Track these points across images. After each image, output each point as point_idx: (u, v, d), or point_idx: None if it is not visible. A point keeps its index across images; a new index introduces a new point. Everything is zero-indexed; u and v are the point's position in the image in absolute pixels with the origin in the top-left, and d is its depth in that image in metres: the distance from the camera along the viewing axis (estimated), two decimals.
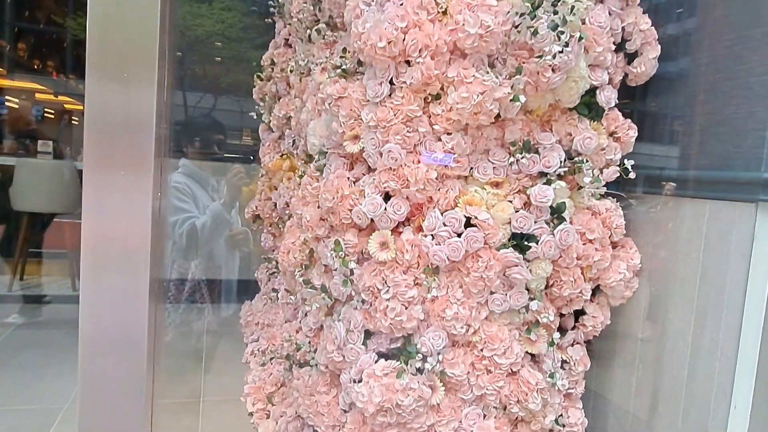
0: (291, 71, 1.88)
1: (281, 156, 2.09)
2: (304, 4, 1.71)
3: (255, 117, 2.27)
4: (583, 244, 1.37)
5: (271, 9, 2.15)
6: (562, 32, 1.18)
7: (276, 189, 2.20)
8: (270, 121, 2.13)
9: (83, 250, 1.54)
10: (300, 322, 1.69)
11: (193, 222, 2.73)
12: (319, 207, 1.38)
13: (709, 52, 1.40)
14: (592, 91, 1.36)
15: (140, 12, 1.47)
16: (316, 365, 1.50)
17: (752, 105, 1.23)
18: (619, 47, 1.39)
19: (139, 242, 1.59)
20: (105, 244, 1.56)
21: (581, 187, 1.36)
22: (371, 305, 1.30)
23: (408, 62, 1.23)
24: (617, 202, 1.45)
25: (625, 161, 1.38)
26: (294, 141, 1.98)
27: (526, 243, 1.30)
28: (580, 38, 1.22)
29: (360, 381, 1.31)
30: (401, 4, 1.22)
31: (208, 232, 2.77)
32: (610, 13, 1.33)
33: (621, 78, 1.43)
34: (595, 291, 1.48)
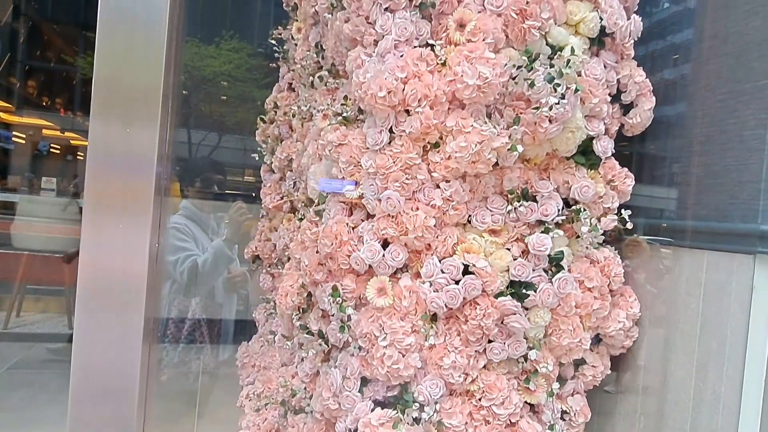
0: (293, 116, 1.91)
1: (282, 198, 2.10)
2: (308, 52, 1.75)
3: (257, 158, 2.30)
4: (582, 292, 1.37)
5: (276, 54, 2.21)
6: (559, 84, 1.20)
7: (276, 230, 2.20)
8: (272, 163, 2.15)
9: (79, 288, 1.53)
10: (296, 366, 1.67)
11: (194, 259, 2.73)
12: (317, 252, 1.38)
13: (703, 104, 1.42)
14: (588, 141, 1.38)
15: (147, 54, 1.51)
16: (312, 412, 1.48)
17: (747, 157, 1.24)
18: (615, 98, 1.42)
19: (136, 282, 1.59)
20: (101, 283, 1.56)
21: (579, 236, 1.36)
22: (368, 352, 1.29)
23: (407, 111, 1.25)
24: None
25: (623, 211, 1.39)
26: (295, 183, 2.00)
27: (524, 291, 1.29)
28: (576, 90, 1.24)
29: (356, 430, 1.29)
30: (401, 56, 1.25)
31: (209, 269, 2.76)
32: (605, 66, 1.36)
33: (617, 128, 1.45)
34: (595, 340, 1.47)
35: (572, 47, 1.27)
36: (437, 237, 1.29)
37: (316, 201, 1.52)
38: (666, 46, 1.67)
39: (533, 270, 1.30)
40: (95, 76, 1.50)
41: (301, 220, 1.67)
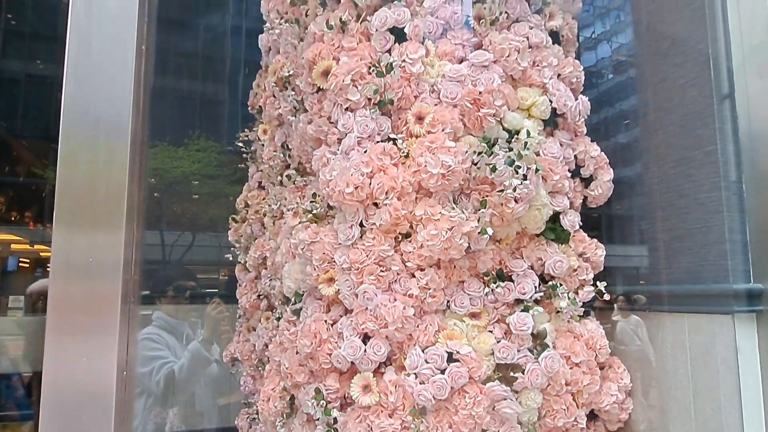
0: (265, 214, 1.92)
1: (258, 296, 2.07)
2: (274, 152, 1.79)
3: (231, 258, 2.28)
4: (570, 368, 1.34)
5: (244, 154, 2.25)
6: (519, 166, 1.25)
7: (254, 329, 2.15)
8: (246, 262, 2.13)
9: (42, 409, 1.44)
10: None
11: (170, 366, 2.61)
12: (297, 353, 1.34)
13: (658, 170, 1.48)
14: (556, 216, 1.41)
15: (110, 159, 1.50)
16: None
17: (708, 220, 1.28)
18: (575, 173, 1.47)
19: (103, 400, 1.50)
20: (65, 403, 1.47)
21: (559, 311, 1.35)
22: None
23: (376, 204, 1.27)
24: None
25: (598, 283, 1.40)
26: (270, 281, 1.97)
27: (512, 374, 1.26)
28: (537, 170, 1.29)
29: None
30: (365, 152, 1.28)
31: (186, 374, 2.63)
32: (561, 144, 1.42)
33: (581, 201, 1.50)
34: (590, 417, 1.42)
35: (527, 130, 1.32)
36: (418, 326, 1.27)
37: (293, 299, 1.50)
38: (616, 113, 1.76)
39: (518, 351, 1.28)
40: (58, 182, 1.48)
41: (278, 319, 1.64)
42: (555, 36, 1.51)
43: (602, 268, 1.45)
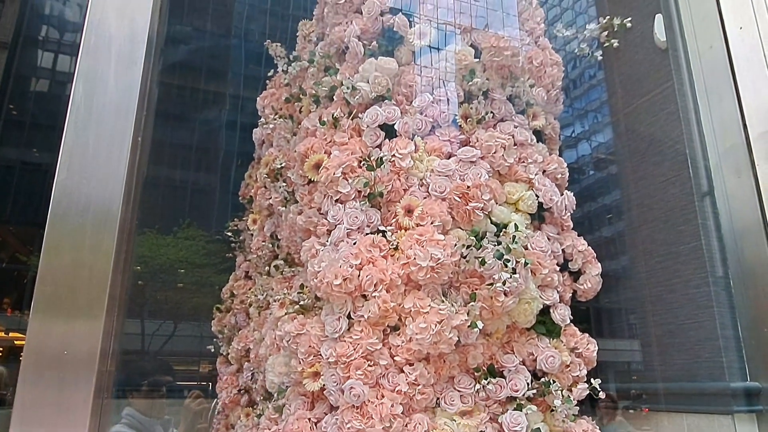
0: (250, 304, 1.88)
1: (239, 391, 1.98)
2: (263, 242, 1.79)
3: (212, 350, 2.20)
4: None
5: (232, 243, 2.24)
6: (508, 260, 1.25)
7: (233, 427, 2.03)
8: (228, 354, 2.06)
9: None
10: None
11: None
12: None
13: (645, 265, 1.49)
14: (546, 310, 1.40)
15: (97, 245, 1.47)
16: None
17: (698, 316, 1.27)
18: (564, 267, 1.47)
19: None
20: None
21: (553, 410, 1.30)
22: None
23: (364, 297, 1.25)
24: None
25: (593, 380, 1.36)
26: (253, 374, 1.90)
27: None
28: (526, 263, 1.29)
29: None
30: (354, 243, 1.28)
31: None
32: (549, 238, 1.44)
33: (570, 295, 1.49)
34: None
35: (515, 223, 1.34)
36: (406, 425, 1.20)
37: (275, 395, 1.43)
38: (599, 208, 1.79)
39: None
40: (40, 269, 1.45)
41: (259, 416, 1.55)
42: (539, 135, 1.58)
43: (595, 364, 1.41)
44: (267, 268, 1.75)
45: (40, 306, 1.46)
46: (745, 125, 1.31)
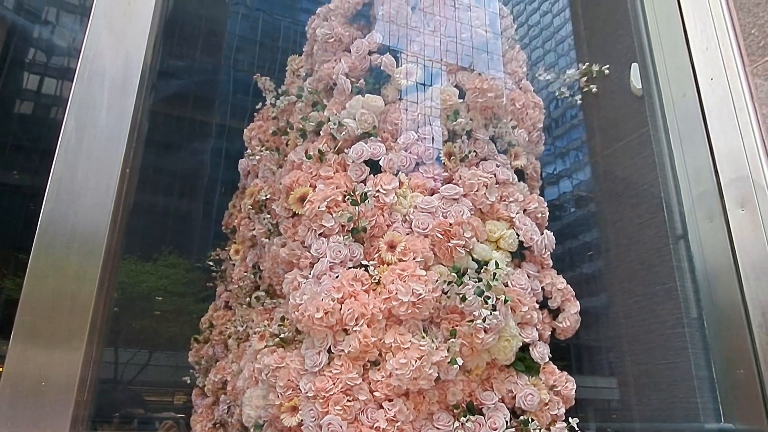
0: (229, 336, 1.86)
1: (215, 425, 1.93)
2: (245, 273, 1.79)
3: (188, 381, 2.16)
4: None
5: (213, 273, 2.23)
6: (489, 297, 1.26)
7: None
8: (204, 386, 2.02)
9: None
10: None
11: None
12: None
13: (623, 304, 1.52)
14: (525, 347, 1.41)
15: (80, 277, 1.46)
16: None
17: (674, 357, 1.29)
18: (543, 305, 1.49)
19: None
20: None
21: None
22: None
23: (345, 331, 1.25)
24: None
25: (570, 419, 1.36)
26: (229, 407, 1.86)
27: None
28: (506, 300, 1.31)
29: None
30: (337, 277, 1.29)
31: None
32: (528, 276, 1.46)
33: (550, 333, 1.50)
34: None
35: (496, 261, 1.36)
36: None
37: (252, 429, 1.41)
38: (580, 245, 1.83)
39: None
40: (23, 297, 1.43)
41: None
42: (520, 174, 1.62)
43: (573, 403, 1.42)
44: (248, 299, 1.74)
45: (19, 336, 1.44)
46: (716, 172, 1.36)
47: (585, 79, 1.93)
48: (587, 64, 1.94)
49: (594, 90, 1.87)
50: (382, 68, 1.58)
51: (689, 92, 1.48)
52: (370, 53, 1.60)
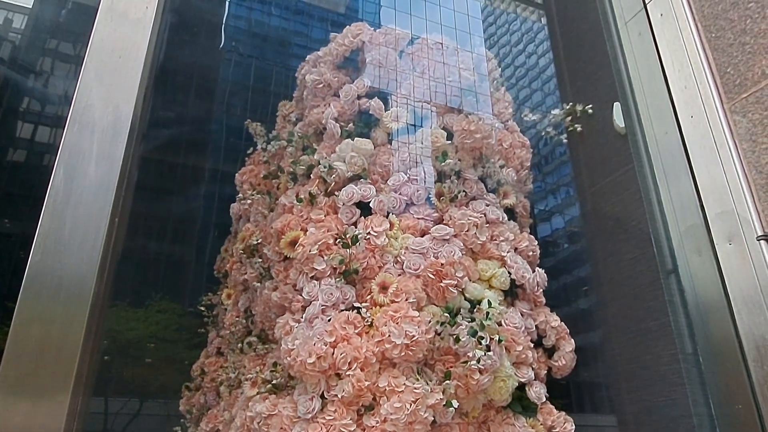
0: (221, 383, 1.82)
1: None
2: (237, 318, 1.77)
3: (180, 430, 2.10)
4: None
5: (205, 318, 2.20)
6: (483, 337, 1.25)
7: None
8: None
9: None
10: None
11: None
12: None
13: (618, 341, 1.51)
14: (522, 387, 1.39)
15: (66, 327, 1.44)
16: None
17: (671, 393, 1.28)
18: (538, 344, 1.48)
19: None
20: None
21: None
22: None
23: (338, 375, 1.23)
24: None
25: None
26: None
27: None
28: (500, 340, 1.30)
29: None
30: (329, 320, 1.28)
31: None
32: (522, 314, 1.45)
33: (546, 372, 1.49)
34: None
35: (489, 300, 1.36)
36: None
37: None
38: (573, 280, 1.82)
39: None
40: (7, 348, 1.40)
41: None
42: (510, 213, 1.63)
43: None
44: (240, 344, 1.72)
45: (4, 387, 1.40)
46: (702, 206, 1.38)
47: (569, 118, 1.98)
48: (571, 104, 1.99)
49: (579, 129, 1.91)
50: (370, 112, 1.61)
51: (671, 129, 1.51)
52: (358, 97, 1.64)
